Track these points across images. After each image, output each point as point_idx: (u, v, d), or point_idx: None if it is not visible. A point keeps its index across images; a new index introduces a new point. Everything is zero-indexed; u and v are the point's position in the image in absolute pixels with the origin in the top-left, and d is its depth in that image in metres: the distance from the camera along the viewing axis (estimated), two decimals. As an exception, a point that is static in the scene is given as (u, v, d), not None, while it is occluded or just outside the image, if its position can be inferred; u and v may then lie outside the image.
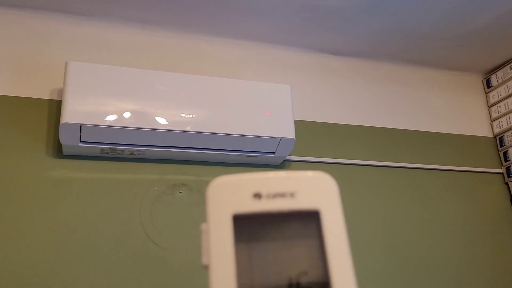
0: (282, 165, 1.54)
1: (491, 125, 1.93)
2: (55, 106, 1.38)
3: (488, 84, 1.96)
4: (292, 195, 0.39)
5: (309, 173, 0.40)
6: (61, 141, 1.26)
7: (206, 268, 0.37)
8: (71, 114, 1.24)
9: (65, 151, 1.32)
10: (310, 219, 0.38)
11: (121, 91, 1.31)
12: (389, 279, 1.51)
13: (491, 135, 1.91)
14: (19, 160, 1.30)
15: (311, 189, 0.39)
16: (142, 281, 1.27)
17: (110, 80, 1.31)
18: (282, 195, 0.39)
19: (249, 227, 0.38)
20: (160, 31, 1.58)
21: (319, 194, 0.39)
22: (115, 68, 1.33)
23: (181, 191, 1.41)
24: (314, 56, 1.76)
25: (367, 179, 1.63)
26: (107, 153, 1.34)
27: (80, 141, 1.28)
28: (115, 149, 1.32)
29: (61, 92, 1.34)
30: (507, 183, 1.82)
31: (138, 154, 1.37)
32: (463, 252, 1.64)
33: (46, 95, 1.39)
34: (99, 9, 1.49)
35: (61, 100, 1.30)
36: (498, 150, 1.88)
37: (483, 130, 1.91)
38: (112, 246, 1.28)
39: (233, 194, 0.38)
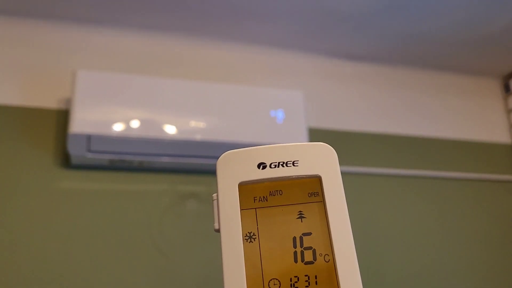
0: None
1: (511, 131, 1.94)
2: (63, 116, 1.41)
3: (507, 88, 1.98)
4: (294, 163, 0.44)
5: (310, 144, 0.45)
6: (69, 151, 1.30)
7: (217, 231, 0.43)
8: (79, 124, 1.29)
9: (73, 161, 1.35)
10: (312, 185, 0.43)
11: (130, 99, 1.35)
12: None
13: (511, 142, 1.93)
14: (26, 171, 1.34)
15: (312, 157, 0.45)
16: (152, 293, 1.30)
17: (119, 88, 1.36)
18: (285, 163, 0.44)
19: (256, 194, 0.44)
20: (169, 37, 1.62)
21: (320, 162, 0.44)
22: (124, 76, 1.38)
23: (192, 202, 1.43)
24: (329, 61, 1.79)
25: (384, 188, 1.65)
26: (116, 164, 1.38)
27: (89, 151, 1.31)
28: (124, 159, 1.36)
29: (68, 101, 1.39)
30: (528, 192, 1.82)
31: (147, 164, 1.40)
32: (482, 263, 1.64)
33: (53, 105, 1.43)
34: (106, 16, 1.53)
35: (68, 110, 1.34)
36: (518, 157, 1.89)
37: (502, 136, 1.92)
38: (121, 258, 1.31)
39: (239, 165, 0.44)
